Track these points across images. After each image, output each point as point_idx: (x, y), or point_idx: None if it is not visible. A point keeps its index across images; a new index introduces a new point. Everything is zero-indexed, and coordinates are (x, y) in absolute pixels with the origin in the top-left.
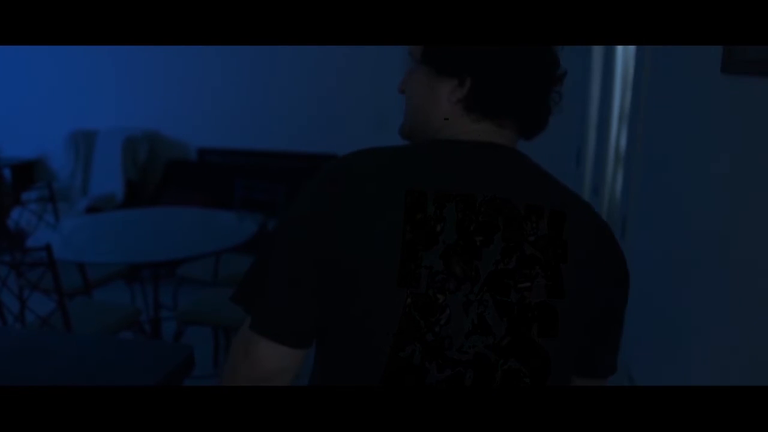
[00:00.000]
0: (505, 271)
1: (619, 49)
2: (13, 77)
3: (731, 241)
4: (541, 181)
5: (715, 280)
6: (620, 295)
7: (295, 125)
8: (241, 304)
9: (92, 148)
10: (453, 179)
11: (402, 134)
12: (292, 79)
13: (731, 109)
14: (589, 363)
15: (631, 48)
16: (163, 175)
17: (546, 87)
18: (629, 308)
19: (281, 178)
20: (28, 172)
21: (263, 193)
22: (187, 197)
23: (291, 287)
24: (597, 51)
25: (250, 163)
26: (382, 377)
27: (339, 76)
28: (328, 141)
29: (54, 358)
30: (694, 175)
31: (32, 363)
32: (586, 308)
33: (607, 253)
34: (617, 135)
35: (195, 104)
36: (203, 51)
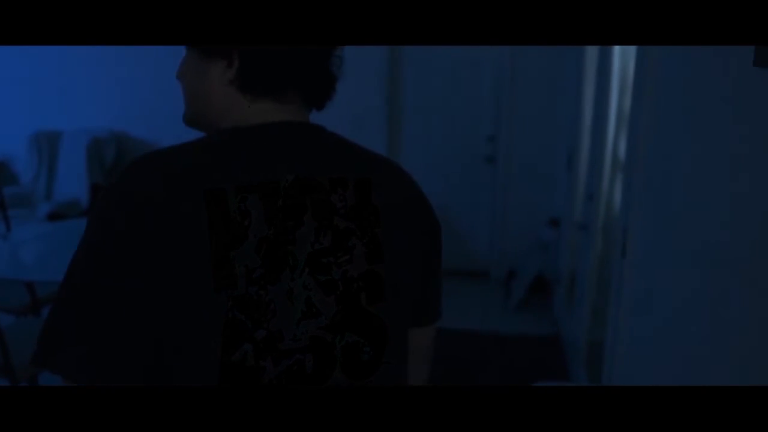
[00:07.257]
0: (323, 250)
1: (617, 48)
2: None
3: (747, 260)
4: (341, 151)
5: (731, 304)
6: (435, 247)
7: None
8: (50, 366)
9: (56, 150)
10: (250, 168)
11: (186, 122)
12: None
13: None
14: (419, 314)
15: (631, 47)
16: None
17: (322, 55)
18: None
19: None
20: None
21: None
22: None
23: (111, 322)
24: (591, 50)
25: None
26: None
27: None
28: None
29: None
30: (706, 183)
31: None
32: (408, 266)
33: (415, 208)
34: (614, 139)
35: (164, 104)
36: (172, 50)
